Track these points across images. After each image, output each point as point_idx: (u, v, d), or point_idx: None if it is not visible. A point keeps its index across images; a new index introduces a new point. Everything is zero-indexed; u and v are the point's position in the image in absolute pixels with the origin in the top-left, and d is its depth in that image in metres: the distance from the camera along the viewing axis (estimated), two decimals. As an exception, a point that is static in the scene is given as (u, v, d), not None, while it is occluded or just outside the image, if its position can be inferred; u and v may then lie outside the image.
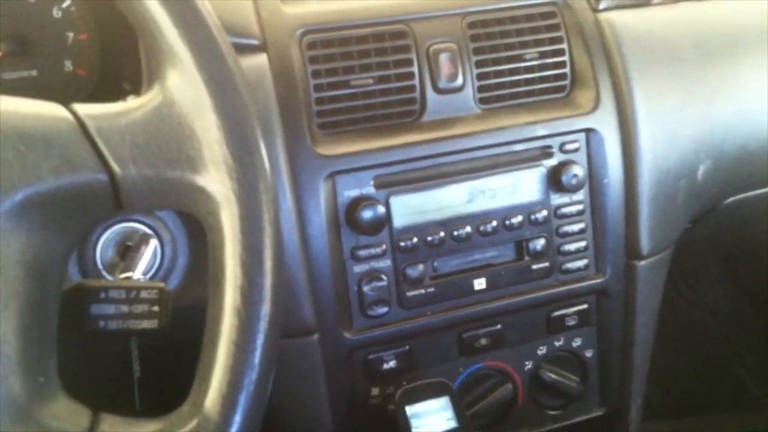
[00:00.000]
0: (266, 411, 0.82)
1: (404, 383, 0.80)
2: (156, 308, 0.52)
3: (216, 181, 0.47)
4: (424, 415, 0.77)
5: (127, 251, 0.67)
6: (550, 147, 0.81)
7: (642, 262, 0.87)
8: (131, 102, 0.49)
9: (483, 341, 0.85)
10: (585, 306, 0.87)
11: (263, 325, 0.47)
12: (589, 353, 0.89)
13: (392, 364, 0.82)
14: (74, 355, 0.52)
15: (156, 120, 0.47)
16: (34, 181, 0.44)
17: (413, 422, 0.76)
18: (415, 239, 0.78)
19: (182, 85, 0.48)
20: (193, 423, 0.46)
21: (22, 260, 0.44)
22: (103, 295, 0.52)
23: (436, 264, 0.81)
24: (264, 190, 0.48)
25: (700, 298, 1.49)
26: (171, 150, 0.47)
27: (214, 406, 0.46)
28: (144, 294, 0.52)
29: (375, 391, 0.83)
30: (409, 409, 0.76)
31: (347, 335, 0.79)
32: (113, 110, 0.48)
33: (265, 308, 0.47)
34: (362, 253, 0.78)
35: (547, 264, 0.84)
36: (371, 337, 0.80)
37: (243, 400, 0.46)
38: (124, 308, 0.52)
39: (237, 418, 0.46)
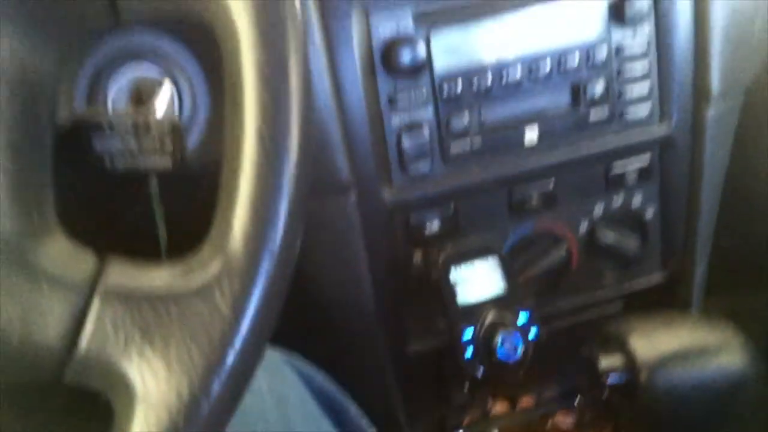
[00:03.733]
0: (303, 277, 0.76)
1: (449, 248, 0.74)
2: (168, 142, 0.45)
3: None
4: (470, 280, 0.70)
5: (140, 96, 0.59)
6: (611, -25, 0.71)
7: (712, 110, 0.78)
8: None
9: (534, 200, 0.77)
10: (647, 160, 0.79)
11: (291, 149, 0.39)
12: (650, 213, 0.81)
13: (435, 226, 0.75)
14: (80, 198, 0.45)
15: None
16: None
17: (458, 288, 0.69)
18: (460, 83, 0.70)
19: None
20: (216, 265, 0.39)
21: (5, 69, 0.37)
22: (107, 127, 0.44)
23: (482, 113, 0.73)
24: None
25: None
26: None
27: (239, 244, 0.39)
28: (154, 127, 0.45)
29: (417, 256, 0.76)
30: (454, 274, 0.70)
31: (386, 194, 0.72)
32: None
33: (293, 128, 0.39)
34: (401, 100, 0.69)
35: (606, 111, 0.75)
36: (412, 197, 0.73)
37: (272, 236, 0.39)
38: (132, 143, 0.45)
39: (266, 257, 0.39)
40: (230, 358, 0.39)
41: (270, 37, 0.38)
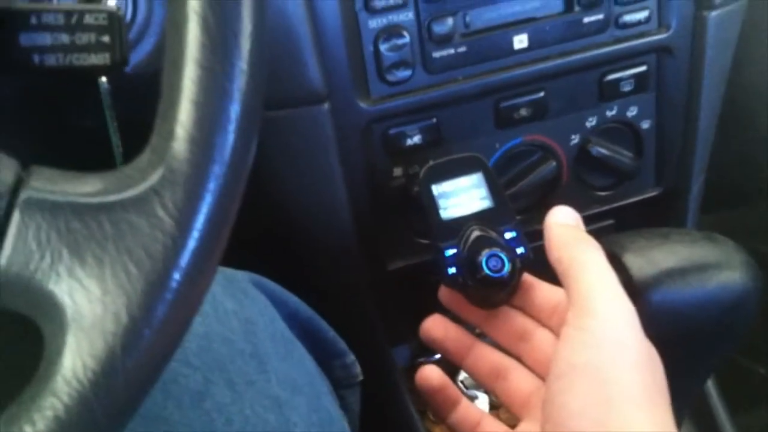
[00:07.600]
0: (275, 194, 0.72)
1: (430, 161, 0.69)
2: (106, 38, 0.40)
3: None
4: (453, 195, 0.65)
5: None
6: None
7: (714, 12, 0.72)
8: None
9: (523, 111, 0.72)
10: (644, 68, 0.74)
11: (242, 36, 0.34)
12: (645, 124, 0.76)
13: (416, 139, 0.70)
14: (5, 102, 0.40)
15: None
16: None
17: (440, 203, 0.65)
18: (442, -16, 0.64)
19: None
20: (156, 173, 0.34)
21: None
22: (34, 20, 0.39)
23: (468, 17, 0.67)
24: None
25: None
26: None
27: (182, 149, 0.34)
28: (89, 19, 0.40)
29: (397, 171, 0.72)
30: (436, 188, 0.65)
31: (363, 105, 0.67)
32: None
33: (244, 11, 0.34)
34: (378, 3, 0.64)
35: (601, 16, 0.70)
36: (392, 107, 0.68)
37: (220, 140, 0.34)
38: (64, 38, 0.39)
39: (214, 164, 0.34)
40: (174, 278, 0.34)
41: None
